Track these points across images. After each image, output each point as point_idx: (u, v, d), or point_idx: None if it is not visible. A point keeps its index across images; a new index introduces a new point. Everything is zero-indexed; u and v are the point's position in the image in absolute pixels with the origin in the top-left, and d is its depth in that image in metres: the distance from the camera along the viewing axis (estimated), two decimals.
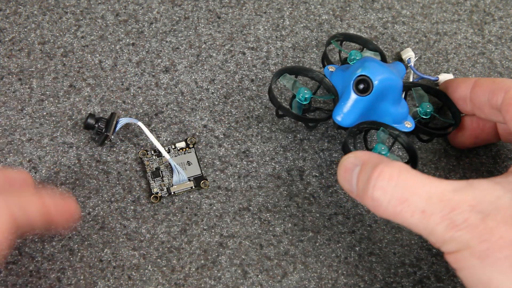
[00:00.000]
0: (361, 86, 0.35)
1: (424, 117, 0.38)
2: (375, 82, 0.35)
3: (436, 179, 0.28)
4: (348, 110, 0.36)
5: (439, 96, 0.40)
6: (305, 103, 0.38)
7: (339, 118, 0.36)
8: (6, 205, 0.26)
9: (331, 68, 0.39)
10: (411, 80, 0.42)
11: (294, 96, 0.38)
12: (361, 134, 0.39)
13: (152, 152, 0.40)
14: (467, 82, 0.37)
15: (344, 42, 0.42)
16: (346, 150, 0.35)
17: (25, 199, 0.28)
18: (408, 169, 0.28)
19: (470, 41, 0.44)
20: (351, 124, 0.36)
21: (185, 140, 0.41)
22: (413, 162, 0.36)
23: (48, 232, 0.32)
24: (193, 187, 0.39)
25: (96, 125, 0.39)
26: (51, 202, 0.29)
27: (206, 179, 0.40)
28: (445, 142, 0.41)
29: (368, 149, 0.37)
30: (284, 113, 0.38)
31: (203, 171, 0.40)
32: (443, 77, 0.42)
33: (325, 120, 0.38)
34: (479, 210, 0.26)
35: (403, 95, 0.41)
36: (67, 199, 0.31)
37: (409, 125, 0.37)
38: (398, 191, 0.28)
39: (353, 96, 0.36)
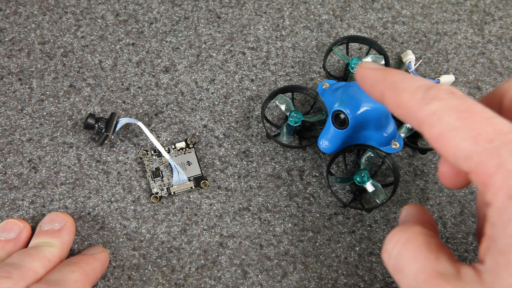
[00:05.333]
0: (339, 120, 0.37)
1: None
2: (352, 116, 0.36)
3: (435, 256, 0.27)
4: (330, 139, 0.37)
5: None
6: (295, 125, 0.39)
7: (323, 145, 0.38)
8: (87, 278, 0.35)
9: (325, 85, 0.39)
10: None
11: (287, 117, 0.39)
12: (350, 154, 0.41)
13: (152, 152, 0.40)
14: None
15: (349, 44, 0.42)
16: (327, 174, 0.38)
17: (93, 266, 0.36)
18: (417, 237, 0.28)
19: (470, 41, 0.44)
20: (334, 151, 0.38)
21: (185, 140, 0.41)
22: (396, 182, 0.38)
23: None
24: (193, 187, 0.39)
25: (96, 125, 0.39)
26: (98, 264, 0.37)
27: (206, 179, 0.40)
28: None
29: (356, 168, 0.39)
30: (273, 140, 0.40)
31: (203, 171, 0.40)
32: (444, 79, 0.42)
33: (311, 144, 0.40)
34: None
35: None
36: (101, 254, 0.38)
37: (396, 146, 0.38)
38: (398, 259, 0.28)
39: (332, 128, 0.37)
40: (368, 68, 0.30)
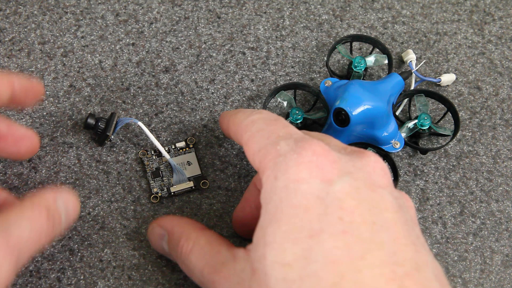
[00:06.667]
0: (340, 118, 0.37)
1: (422, 128, 0.39)
2: (353, 114, 0.36)
3: (216, 251, 0.31)
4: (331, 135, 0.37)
5: (444, 101, 0.40)
6: (297, 122, 0.39)
7: None
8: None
9: (327, 83, 0.39)
10: (413, 82, 0.42)
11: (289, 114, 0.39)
12: None
13: (152, 152, 0.40)
14: None
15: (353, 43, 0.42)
16: None
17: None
18: (199, 241, 0.32)
19: (470, 41, 0.45)
20: None
21: (185, 140, 0.41)
22: (395, 179, 0.38)
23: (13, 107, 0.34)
24: (193, 187, 0.39)
25: (96, 125, 0.39)
26: (16, 79, 0.33)
27: (206, 179, 0.40)
28: (445, 142, 0.41)
29: None
30: None
31: (203, 171, 0.40)
32: (445, 78, 0.42)
33: None
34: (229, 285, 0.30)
35: (405, 103, 0.41)
36: (33, 81, 0.35)
37: (397, 145, 0.38)
38: (188, 264, 0.32)
39: (333, 126, 0.37)
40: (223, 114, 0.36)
